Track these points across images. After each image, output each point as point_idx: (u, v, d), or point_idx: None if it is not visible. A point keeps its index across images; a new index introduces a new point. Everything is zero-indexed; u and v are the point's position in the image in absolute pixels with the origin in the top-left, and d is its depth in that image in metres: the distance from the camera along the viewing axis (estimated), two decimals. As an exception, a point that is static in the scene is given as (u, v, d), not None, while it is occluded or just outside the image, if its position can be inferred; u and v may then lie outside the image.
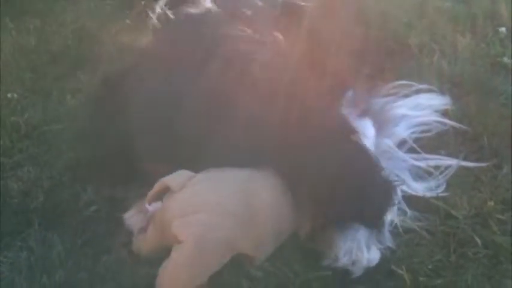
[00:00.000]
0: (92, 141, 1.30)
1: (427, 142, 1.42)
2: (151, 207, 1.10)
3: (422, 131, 1.44)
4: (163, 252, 1.03)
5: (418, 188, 1.31)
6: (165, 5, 1.41)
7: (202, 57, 1.19)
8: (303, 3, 1.38)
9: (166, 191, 1.08)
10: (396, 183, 1.21)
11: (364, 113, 1.36)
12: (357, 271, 1.14)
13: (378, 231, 1.16)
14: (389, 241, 1.19)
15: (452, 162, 1.36)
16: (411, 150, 1.39)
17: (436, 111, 1.49)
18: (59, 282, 1.13)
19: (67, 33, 1.97)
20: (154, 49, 1.41)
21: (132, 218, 1.17)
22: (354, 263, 1.14)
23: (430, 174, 1.34)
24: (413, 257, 1.18)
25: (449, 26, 1.93)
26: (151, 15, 1.43)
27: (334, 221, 1.13)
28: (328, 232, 1.15)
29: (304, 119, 1.11)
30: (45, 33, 1.98)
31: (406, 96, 1.52)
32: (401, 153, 1.36)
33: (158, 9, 1.41)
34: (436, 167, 1.35)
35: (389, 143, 1.35)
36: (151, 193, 1.08)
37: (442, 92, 1.56)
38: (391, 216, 1.19)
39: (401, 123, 1.43)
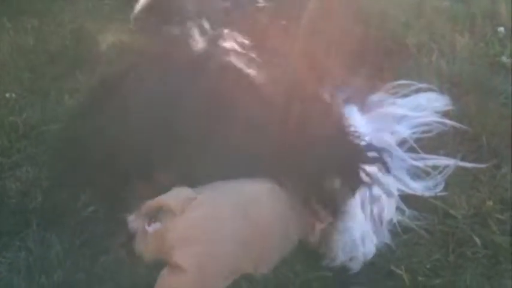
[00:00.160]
0: (87, 144, 1.29)
1: (426, 142, 1.42)
2: (150, 228, 1.09)
3: (423, 132, 1.44)
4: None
5: (417, 188, 1.31)
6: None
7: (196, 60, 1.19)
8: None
9: (165, 209, 1.07)
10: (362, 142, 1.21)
11: (349, 100, 1.36)
12: (355, 266, 1.15)
13: (356, 188, 1.16)
14: (386, 238, 1.19)
15: (450, 162, 1.36)
16: (410, 150, 1.39)
17: (437, 112, 1.49)
18: (57, 283, 1.13)
19: (65, 33, 1.97)
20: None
21: (134, 222, 1.17)
22: (351, 259, 1.15)
23: (428, 174, 1.34)
24: (412, 257, 1.18)
25: (448, 25, 1.93)
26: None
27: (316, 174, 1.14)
28: (327, 231, 1.16)
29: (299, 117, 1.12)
30: (43, 33, 1.98)
31: (406, 95, 1.52)
32: (400, 152, 1.36)
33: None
34: (435, 167, 1.35)
35: (389, 141, 1.35)
36: (149, 211, 1.07)
37: (441, 92, 1.56)
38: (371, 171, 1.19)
39: (402, 124, 1.43)
